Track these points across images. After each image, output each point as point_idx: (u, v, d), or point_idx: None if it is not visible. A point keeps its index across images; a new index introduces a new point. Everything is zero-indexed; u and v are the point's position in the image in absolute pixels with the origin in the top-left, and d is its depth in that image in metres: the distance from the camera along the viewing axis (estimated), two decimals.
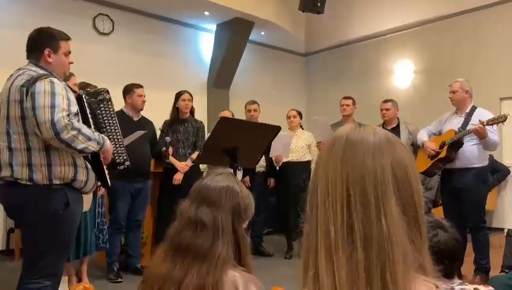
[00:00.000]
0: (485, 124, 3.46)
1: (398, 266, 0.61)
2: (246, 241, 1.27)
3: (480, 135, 3.53)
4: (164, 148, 4.01)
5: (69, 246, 2.30)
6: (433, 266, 0.67)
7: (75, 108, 2.11)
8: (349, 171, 0.66)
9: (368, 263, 0.61)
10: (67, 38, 2.30)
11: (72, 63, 2.33)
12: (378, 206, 0.64)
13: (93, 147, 2.11)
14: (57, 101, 2.00)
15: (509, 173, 6.13)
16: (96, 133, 2.17)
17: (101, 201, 3.65)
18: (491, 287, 0.67)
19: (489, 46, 6.27)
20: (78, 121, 2.14)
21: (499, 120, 3.44)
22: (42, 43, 2.21)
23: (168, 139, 4.05)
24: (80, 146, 2.04)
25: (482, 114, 3.68)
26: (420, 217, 0.68)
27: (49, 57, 2.21)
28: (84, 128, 2.08)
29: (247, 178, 4.68)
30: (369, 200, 0.64)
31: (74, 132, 2.00)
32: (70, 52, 2.30)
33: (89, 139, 2.08)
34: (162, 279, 1.18)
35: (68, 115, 2.00)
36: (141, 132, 3.67)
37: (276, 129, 2.73)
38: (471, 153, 3.68)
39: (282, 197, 5.02)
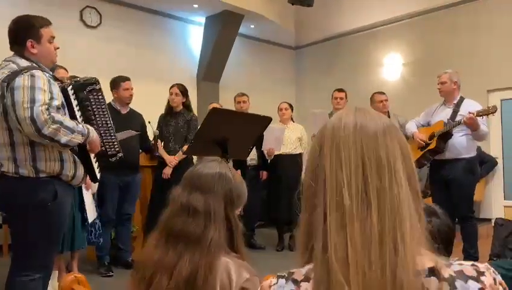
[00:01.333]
0: (475, 115, 3.50)
1: (406, 229, 0.65)
2: (239, 228, 1.26)
3: (473, 127, 3.57)
4: (152, 142, 3.98)
5: (59, 237, 2.27)
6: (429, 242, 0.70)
7: (58, 101, 2.06)
8: (363, 142, 0.69)
9: (381, 227, 0.65)
10: (48, 24, 2.21)
11: (58, 48, 2.25)
12: (391, 173, 0.68)
13: (77, 139, 2.07)
14: (37, 96, 1.94)
15: (496, 164, 6.22)
16: (80, 125, 2.12)
17: (92, 195, 3.61)
18: (486, 263, 0.68)
19: (477, 38, 6.33)
20: (64, 114, 2.10)
21: (490, 111, 3.48)
22: (22, 35, 2.13)
23: (156, 132, 4.03)
24: (63, 139, 1.99)
25: (470, 105, 3.72)
26: (419, 191, 0.72)
27: (33, 48, 2.14)
28: (67, 121, 2.03)
29: (239, 171, 4.66)
30: (384, 166, 0.68)
31: (55, 126, 1.95)
32: (54, 37, 2.22)
33: (72, 131, 2.03)
34: (155, 266, 1.17)
35: (48, 109, 1.95)
36: (133, 132, 3.63)
37: (267, 120, 2.73)
38: (460, 144, 3.72)
39: (273, 190, 5.02)
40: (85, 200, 3.42)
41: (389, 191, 0.67)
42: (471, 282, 0.64)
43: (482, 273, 0.65)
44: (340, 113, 0.75)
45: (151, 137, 4.23)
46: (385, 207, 0.66)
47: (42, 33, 2.16)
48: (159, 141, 4.03)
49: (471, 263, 0.67)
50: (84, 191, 3.42)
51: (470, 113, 3.55)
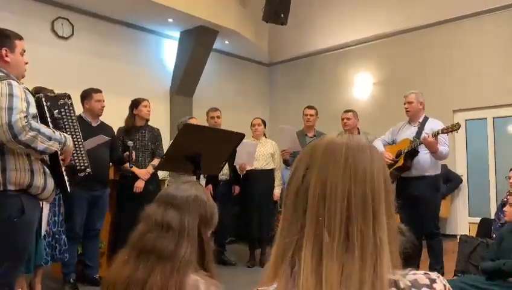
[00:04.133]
0: (440, 132, 3.62)
1: (385, 266, 0.66)
2: (210, 247, 1.28)
3: (431, 148, 3.69)
4: (127, 153, 3.93)
5: (24, 254, 2.20)
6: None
7: (34, 110, 2.06)
8: (352, 177, 0.68)
9: (361, 271, 0.64)
10: (21, 38, 2.27)
11: (27, 63, 2.29)
12: (375, 214, 0.67)
13: (55, 146, 2.07)
14: (15, 103, 1.95)
15: (461, 182, 6.43)
16: (57, 132, 2.13)
17: (57, 210, 3.51)
18: (436, 273, 0.72)
19: (443, 59, 6.58)
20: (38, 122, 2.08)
21: (453, 128, 3.61)
22: None
23: (131, 143, 3.99)
24: (40, 146, 1.99)
25: (434, 124, 3.85)
26: (393, 216, 0.72)
27: (7, 56, 2.16)
28: (44, 128, 2.03)
29: (210, 186, 4.65)
30: (368, 206, 0.67)
31: (33, 133, 1.96)
32: (25, 51, 2.27)
33: (49, 138, 2.04)
34: (126, 281, 1.16)
35: (26, 117, 1.96)
36: (104, 137, 3.57)
37: (240, 136, 2.74)
38: (425, 162, 3.83)
39: (245, 206, 5.01)
40: (43, 211, 3.29)
41: (372, 235, 0.66)
42: (425, 289, 0.68)
43: (434, 281, 0.69)
44: (332, 139, 0.73)
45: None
46: (367, 251, 0.65)
47: (16, 44, 2.21)
48: (133, 151, 3.98)
49: (423, 271, 0.71)
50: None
51: (432, 131, 3.68)
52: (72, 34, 6.00)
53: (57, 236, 3.48)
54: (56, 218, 3.49)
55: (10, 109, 1.93)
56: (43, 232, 3.33)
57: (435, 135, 3.64)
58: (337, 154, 0.70)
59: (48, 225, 3.42)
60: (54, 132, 2.10)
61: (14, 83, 2.04)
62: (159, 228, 1.22)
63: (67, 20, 5.96)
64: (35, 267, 3.28)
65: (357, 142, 0.73)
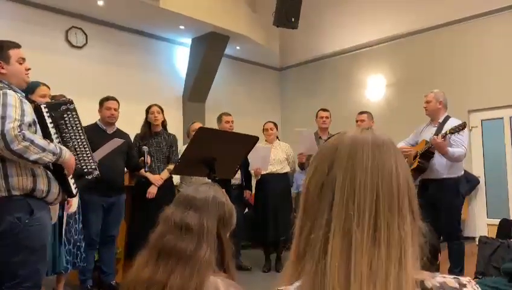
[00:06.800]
0: (448, 132, 3.54)
1: (409, 261, 0.66)
2: (230, 248, 1.27)
3: (441, 150, 3.60)
4: (142, 159, 3.97)
5: (44, 254, 2.23)
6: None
7: (29, 118, 2.09)
8: (380, 172, 0.69)
9: (387, 263, 0.65)
10: (17, 46, 2.28)
11: (29, 69, 2.31)
12: (399, 209, 0.68)
13: (48, 157, 2.08)
14: (8, 112, 1.98)
15: (478, 183, 6.32)
16: (53, 144, 2.14)
17: (78, 217, 3.54)
18: (468, 278, 0.70)
19: (458, 59, 6.50)
20: (35, 132, 2.12)
21: (458, 128, 3.53)
22: None
23: (145, 148, 4.02)
24: (32, 157, 2.01)
25: (454, 124, 3.72)
26: (415, 211, 0.73)
27: (2, 68, 2.19)
28: (38, 139, 2.06)
29: (223, 190, 4.64)
30: (394, 201, 0.68)
31: (26, 143, 1.98)
32: (24, 59, 2.28)
33: (43, 150, 2.05)
34: (145, 283, 1.16)
35: (20, 126, 1.98)
36: (119, 140, 3.59)
37: (254, 139, 2.74)
38: (440, 164, 3.73)
39: (260, 210, 4.98)
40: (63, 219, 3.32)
41: (398, 228, 0.67)
42: None
43: (464, 285, 0.68)
44: (356, 135, 0.74)
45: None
46: (393, 243, 0.66)
47: (10, 54, 2.22)
48: (148, 156, 4.01)
49: (453, 276, 0.69)
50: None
51: (433, 136, 3.61)
52: (86, 43, 6.09)
53: (78, 243, 3.50)
54: (76, 225, 3.52)
55: (3, 118, 1.97)
56: (62, 239, 3.36)
57: (443, 135, 3.56)
58: (365, 150, 0.71)
59: (68, 232, 3.46)
60: (48, 143, 2.12)
61: (9, 92, 2.07)
62: (178, 230, 1.21)
63: (81, 29, 6.05)
64: (56, 273, 3.30)
65: (381, 138, 0.73)
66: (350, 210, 0.67)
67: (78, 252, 3.50)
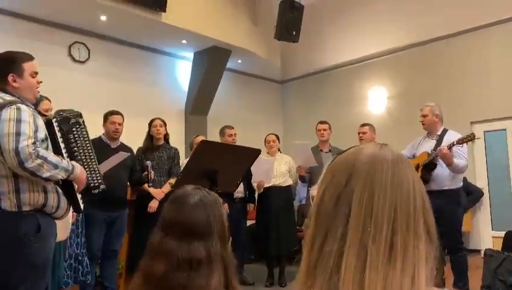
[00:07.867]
0: (455, 143, 3.56)
1: (422, 279, 0.65)
2: (233, 265, 1.23)
3: (447, 161, 3.62)
4: (145, 173, 3.96)
5: (45, 272, 2.20)
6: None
7: (42, 134, 2.08)
8: (398, 192, 0.68)
9: (401, 281, 0.64)
10: (31, 58, 2.23)
11: (41, 82, 2.26)
12: (416, 227, 0.68)
13: (60, 175, 2.07)
14: (23, 129, 1.96)
15: (482, 195, 6.27)
16: (65, 161, 2.13)
17: (80, 231, 3.52)
18: None
19: (460, 71, 6.52)
20: (47, 147, 2.10)
21: (468, 139, 3.54)
22: (4, 69, 2.14)
23: (149, 163, 4.02)
24: (45, 174, 1.99)
25: (452, 137, 3.78)
26: (433, 235, 0.72)
27: (15, 82, 2.14)
28: (51, 156, 2.03)
29: (226, 205, 4.61)
30: (411, 219, 0.68)
31: (39, 161, 1.96)
32: (37, 73, 2.23)
33: (56, 167, 2.03)
34: None
35: (34, 143, 1.96)
36: (124, 154, 3.58)
37: (256, 152, 2.73)
38: (443, 176, 3.75)
39: (262, 224, 4.95)
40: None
41: (413, 248, 0.66)
42: None
43: None
44: (375, 151, 0.73)
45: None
46: (408, 261, 0.65)
47: (24, 67, 2.17)
48: (152, 171, 4.01)
49: None
50: None
51: (442, 146, 3.61)
52: (89, 57, 6.15)
53: (79, 258, 3.47)
54: (79, 239, 3.49)
55: (18, 134, 1.94)
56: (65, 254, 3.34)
57: (450, 146, 3.58)
58: (384, 166, 0.70)
59: (70, 246, 3.43)
60: (61, 159, 2.10)
61: (23, 107, 2.03)
62: (187, 266, 1.14)
63: (84, 44, 6.11)
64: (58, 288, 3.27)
65: (397, 155, 0.74)
66: (367, 225, 0.66)
67: (80, 266, 3.47)
